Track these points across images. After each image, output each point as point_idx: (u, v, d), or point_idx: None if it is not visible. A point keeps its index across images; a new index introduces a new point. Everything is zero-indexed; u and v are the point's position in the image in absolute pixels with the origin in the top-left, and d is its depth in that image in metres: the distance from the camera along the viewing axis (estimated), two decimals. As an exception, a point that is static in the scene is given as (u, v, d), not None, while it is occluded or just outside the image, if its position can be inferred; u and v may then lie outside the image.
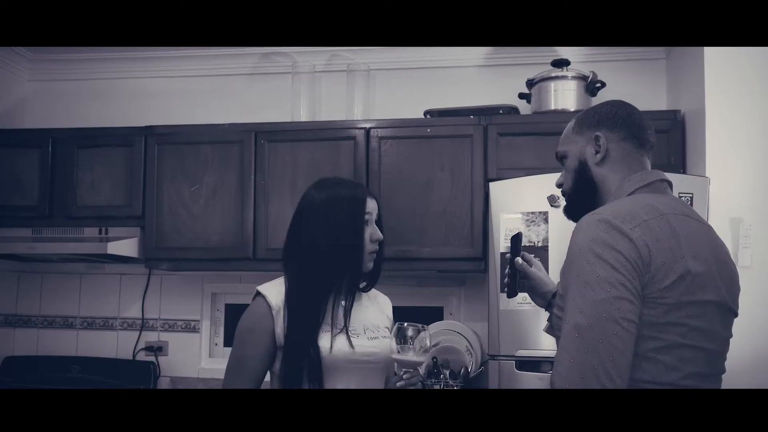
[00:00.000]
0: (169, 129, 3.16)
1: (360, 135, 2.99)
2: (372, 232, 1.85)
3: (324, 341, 1.77)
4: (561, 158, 1.59)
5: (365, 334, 1.84)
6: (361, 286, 1.93)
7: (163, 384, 3.38)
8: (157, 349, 3.41)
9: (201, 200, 3.07)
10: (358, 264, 1.84)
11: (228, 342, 3.48)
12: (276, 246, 3.00)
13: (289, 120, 3.26)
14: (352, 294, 1.86)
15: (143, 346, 3.43)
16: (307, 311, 1.79)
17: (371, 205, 1.87)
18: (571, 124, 1.60)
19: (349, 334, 1.81)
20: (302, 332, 1.77)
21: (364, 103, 3.28)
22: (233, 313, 3.50)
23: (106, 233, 3.12)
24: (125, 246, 3.06)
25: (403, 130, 2.98)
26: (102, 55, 3.53)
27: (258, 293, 1.85)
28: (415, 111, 3.14)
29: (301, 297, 1.80)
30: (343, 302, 1.84)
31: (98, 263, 3.44)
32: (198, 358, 3.42)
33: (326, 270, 1.80)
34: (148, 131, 3.15)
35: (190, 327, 3.44)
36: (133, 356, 3.43)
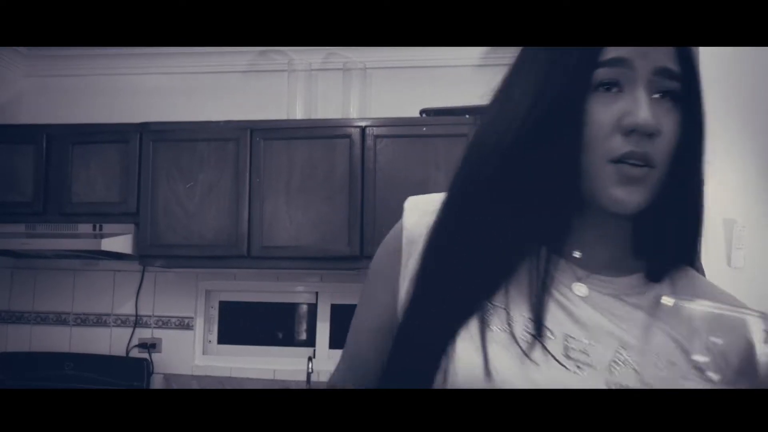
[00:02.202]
0: (164, 126, 3.15)
1: (356, 133, 2.99)
2: (627, 108, 0.74)
3: (467, 342, 0.75)
4: None
5: (575, 350, 0.76)
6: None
7: (157, 381, 3.38)
8: (151, 346, 3.40)
9: (196, 198, 3.07)
10: (567, 181, 0.76)
11: (221, 340, 3.48)
12: (270, 244, 3.01)
13: (284, 118, 3.26)
14: (551, 259, 0.78)
15: (137, 343, 3.43)
16: (455, 264, 0.79)
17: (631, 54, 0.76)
18: None
19: (545, 343, 0.75)
20: (433, 306, 0.78)
21: (360, 101, 3.28)
22: (227, 311, 3.50)
23: (100, 230, 3.12)
24: (119, 243, 3.06)
25: (399, 129, 2.98)
26: (97, 52, 3.52)
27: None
28: (411, 110, 3.14)
29: (456, 228, 0.80)
30: (575, 292, 0.79)
31: (92, 260, 3.44)
32: (192, 356, 3.42)
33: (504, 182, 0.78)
34: (144, 128, 3.14)
35: (184, 324, 3.44)
36: (127, 353, 3.42)
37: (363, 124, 3.01)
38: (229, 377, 3.34)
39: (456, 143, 2.91)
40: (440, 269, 0.79)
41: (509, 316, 0.76)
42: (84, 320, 3.51)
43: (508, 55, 3.16)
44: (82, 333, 3.50)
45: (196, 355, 3.43)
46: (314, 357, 3.26)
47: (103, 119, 3.35)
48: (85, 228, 3.13)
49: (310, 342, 3.38)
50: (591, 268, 0.80)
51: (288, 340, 3.47)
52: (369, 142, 2.98)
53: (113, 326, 3.49)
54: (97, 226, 3.12)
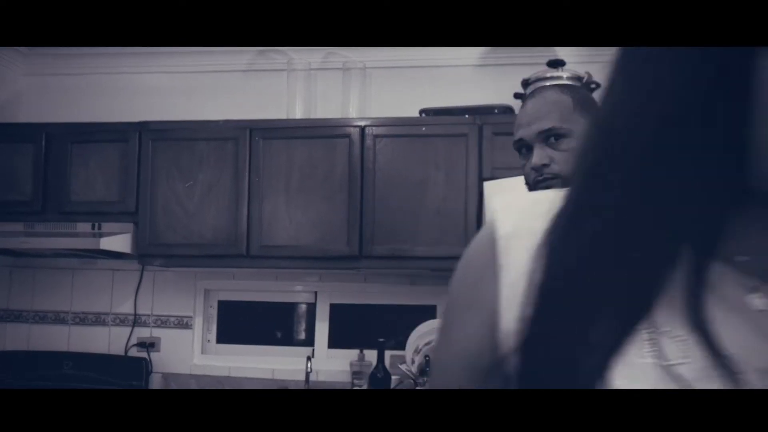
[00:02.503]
0: (163, 125, 3.15)
1: (355, 133, 2.99)
2: None
3: (629, 369, 0.54)
4: (557, 136, 1.48)
5: None
6: None
7: (155, 380, 3.38)
8: (150, 345, 3.40)
9: (195, 197, 3.07)
10: (731, 165, 0.53)
11: (220, 339, 3.48)
12: (270, 243, 3.01)
13: (284, 117, 3.26)
14: (701, 272, 0.55)
15: (135, 342, 3.43)
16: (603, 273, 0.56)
17: None
18: (565, 99, 1.51)
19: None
20: (567, 341, 0.56)
21: (360, 101, 3.29)
22: (226, 310, 3.50)
23: (99, 229, 3.12)
24: (118, 242, 3.06)
25: (398, 129, 2.98)
26: (97, 51, 3.52)
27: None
28: (410, 110, 3.15)
29: (586, 235, 0.57)
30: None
31: (91, 259, 3.44)
32: (190, 355, 3.42)
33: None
34: (143, 127, 3.14)
35: (183, 323, 3.44)
36: (125, 352, 3.42)
37: (362, 123, 3.01)
38: (228, 377, 3.34)
39: (455, 143, 2.91)
40: (570, 292, 0.58)
41: (663, 346, 0.56)
42: (83, 319, 3.51)
43: (506, 55, 3.18)
44: (80, 332, 3.50)
45: (195, 354, 3.43)
46: (313, 356, 3.27)
47: (102, 118, 3.35)
48: (84, 227, 3.13)
49: (309, 341, 3.38)
50: (763, 275, 0.60)
51: (287, 339, 3.48)
52: (368, 141, 2.98)
53: (112, 325, 3.49)
54: (96, 225, 3.12)
